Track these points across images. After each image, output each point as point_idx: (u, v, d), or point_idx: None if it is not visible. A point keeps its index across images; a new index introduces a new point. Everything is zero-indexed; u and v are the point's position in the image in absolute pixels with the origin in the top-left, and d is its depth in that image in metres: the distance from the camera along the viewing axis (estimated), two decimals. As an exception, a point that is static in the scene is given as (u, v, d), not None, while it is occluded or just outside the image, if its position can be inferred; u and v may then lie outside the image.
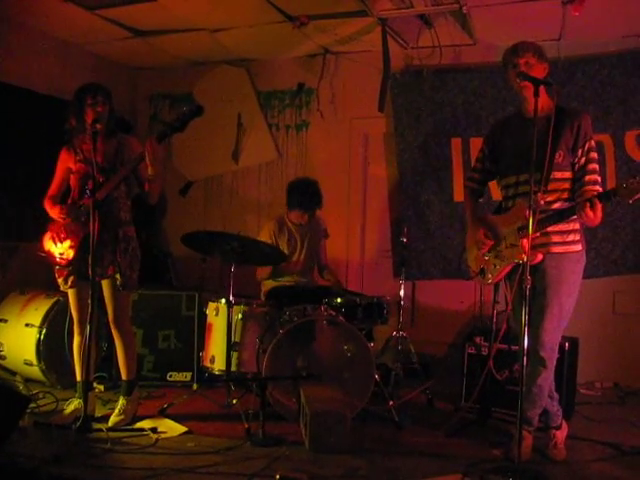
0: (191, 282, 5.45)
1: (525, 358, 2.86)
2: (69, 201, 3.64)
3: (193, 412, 3.91)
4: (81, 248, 3.50)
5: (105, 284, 3.57)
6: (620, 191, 2.81)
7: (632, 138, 4.76)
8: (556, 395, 3.34)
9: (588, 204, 2.85)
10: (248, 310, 4.03)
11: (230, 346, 3.84)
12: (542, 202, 3.00)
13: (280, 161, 5.96)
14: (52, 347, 4.26)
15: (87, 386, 3.46)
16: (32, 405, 3.54)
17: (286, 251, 4.48)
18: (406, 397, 4.24)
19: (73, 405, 3.62)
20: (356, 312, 4.01)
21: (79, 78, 4.34)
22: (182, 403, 3.96)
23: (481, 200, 3.65)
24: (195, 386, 4.47)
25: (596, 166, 3.11)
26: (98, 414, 3.73)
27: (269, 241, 4.49)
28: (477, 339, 4.14)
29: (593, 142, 3.11)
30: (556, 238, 3.11)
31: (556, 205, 3.12)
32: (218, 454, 3.20)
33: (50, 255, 3.57)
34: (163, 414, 3.80)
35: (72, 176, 3.64)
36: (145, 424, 3.58)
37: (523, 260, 2.90)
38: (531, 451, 3.23)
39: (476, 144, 4.77)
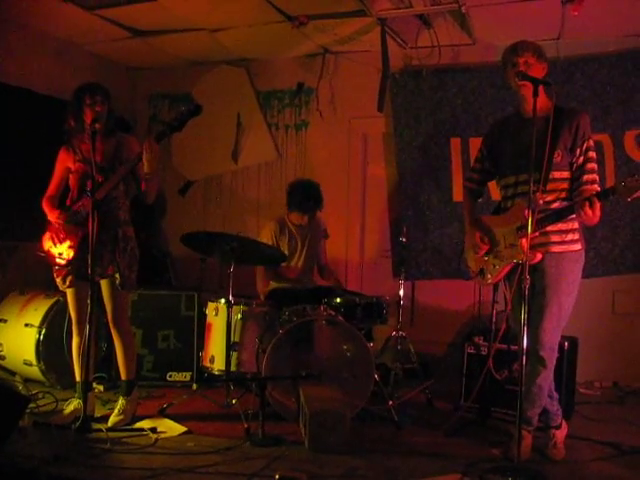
0: (190, 282, 5.45)
1: (524, 358, 2.87)
2: (67, 201, 3.64)
3: (192, 412, 3.91)
4: (80, 248, 3.50)
5: (104, 284, 3.56)
6: (619, 189, 2.81)
7: (631, 138, 4.76)
8: (555, 395, 3.34)
9: (587, 203, 2.85)
10: (247, 310, 4.03)
11: (229, 346, 3.84)
12: (541, 202, 3.00)
13: (279, 161, 5.96)
14: (51, 347, 4.26)
15: (86, 386, 3.46)
16: (31, 405, 3.53)
17: (287, 252, 4.48)
18: (405, 397, 4.24)
19: (72, 405, 3.62)
20: (355, 312, 4.01)
21: (78, 78, 4.33)
22: (181, 403, 3.96)
23: (480, 200, 3.66)
24: (194, 386, 4.47)
25: (594, 165, 3.11)
26: (98, 414, 3.73)
27: (270, 242, 4.49)
28: (476, 339, 4.15)
29: (591, 142, 3.11)
30: (555, 238, 3.11)
31: (555, 205, 3.12)
32: (218, 454, 3.21)
33: (49, 255, 3.56)
34: (162, 414, 3.81)
35: (71, 176, 3.64)
36: (145, 424, 3.58)
37: (522, 260, 2.90)
38: (530, 451, 3.24)
39: (475, 144, 4.76)
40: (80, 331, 3.61)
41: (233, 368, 3.90)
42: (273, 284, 4.61)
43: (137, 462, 3.05)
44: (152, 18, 4.98)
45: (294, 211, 4.59)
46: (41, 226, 3.65)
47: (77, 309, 3.63)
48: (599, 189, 3.01)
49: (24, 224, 4.85)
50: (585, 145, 3.09)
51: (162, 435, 3.45)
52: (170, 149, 6.20)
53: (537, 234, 3.01)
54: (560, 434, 3.34)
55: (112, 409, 3.70)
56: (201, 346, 4.27)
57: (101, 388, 4.32)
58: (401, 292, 4.57)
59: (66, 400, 3.73)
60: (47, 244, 3.58)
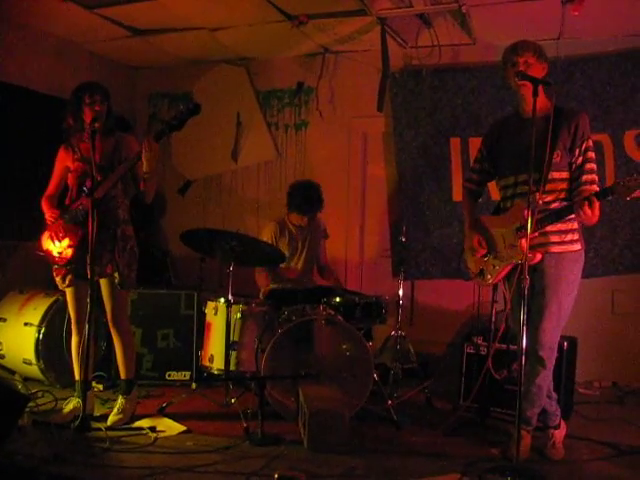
0: (190, 281, 5.45)
1: (524, 358, 2.87)
2: (67, 200, 3.64)
3: (192, 411, 3.91)
4: (79, 247, 3.50)
5: (103, 283, 3.56)
6: (617, 189, 2.81)
7: (631, 138, 4.76)
8: (554, 395, 3.34)
9: (586, 202, 2.85)
10: (247, 309, 4.03)
11: (229, 345, 3.84)
12: (540, 202, 3.00)
13: (279, 160, 5.96)
14: (51, 346, 4.26)
15: (86, 385, 3.46)
16: (31, 404, 3.53)
17: (287, 253, 4.48)
18: (405, 396, 4.24)
19: (72, 404, 3.62)
20: (355, 311, 4.01)
21: (78, 77, 4.35)
22: (181, 402, 3.96)
23: (480, 200, 3.65)
24: (194, 385, 4.46)
25: (593, 166, 3.11)
26: (97, 413, 3.73)
27: (270, 242, 4.49)
28: (476, 339, 4.14)
29: (590, 142, 3.11)
30: (555, 238, 3.11)
31: (554, 205, 3.12)
32: (217, 453, 3.21)
33: (48, 254, 3.57)
34: (162, 413, 3.81)
35: (70, 175, 3.64)
36: (144, 423, 3.58)
37: (522, 260, 2.90)
38: (529, 450, 3.24)
39: (475, 144, 4.77)
40: (79, 330, 3.61)
41: (232, 367, 3.90)
42: (273, 284, 4.61)
43: (136, 461, 3.05)
44: (152, 17, 4.97)
45: (294, 212, 4.59)
46: (41, 225, 3.64)
47: (76, 308, 3.63)
48: (598, 189, 3.01)
49: (24, 223, 4.85)
50: (584, 145, 3.08)
51: (161, 434, 3.46)
52: (170, 148, 6.20)
53: (536, 234, 3.01)
54: (559, 434, 3.35)
55: (111, 408, 3.70)
56: (200, 345, 4.26)
57: (100, 387, 4.32)
58: (400, 292, 4.56)
59: (65, 399, 3.74)
60: (46, 243, 3.58)
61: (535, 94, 2.89)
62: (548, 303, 3.11)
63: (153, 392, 4.31)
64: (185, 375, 4.57)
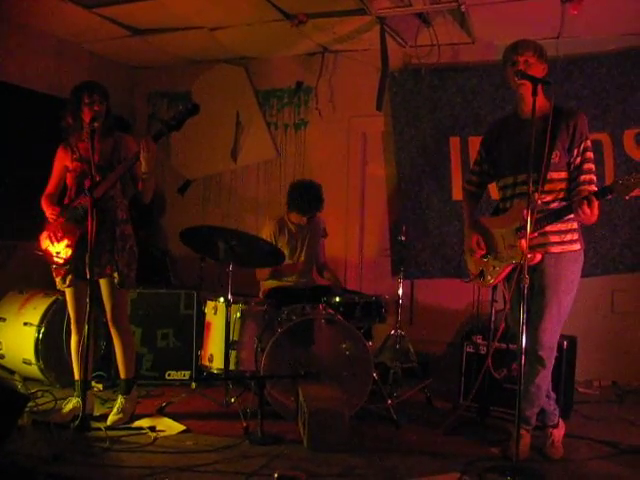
0: (190, 281, 5.45)
1: (523, 357, 2.87)
2: (65, 200, 3.64)
3: (191, 411, 3.91)
4: (78, 247, 3.50)
5: (103, 283, 3.57)
6: (616, 187, 2.81)
7: (631, 137, 4.76)
8: (552, 394, 3.34)
9: (585, 202, 2.85)
10: (247, 309, 4.03)
11: (228, 345, 3.84)
12: (539, 202, 3.00)
13: (279, 160, 5.96)
14: (50, 346, 4.26)
15: (85, 385, 3.45)
16: (31, 404, 3.54)
17: (286, 252, 4.48)
18: (404, 396, 4.24)
19: (72, 404, 3.62)
20: (354, 311, 4.02)
21: (77, 77, 4.34)
22: (180, 402, 3.97)
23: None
24: (193, 385, 4.46)
25: (592, 166, 3.10)
26: (97, 413, 3.73)
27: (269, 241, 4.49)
28: (475, 338, 4.15)
29: (589, 142, 3.11)
30: (554, 238, 3.11)
31: (553, 205, 3.11)
32: (216, 452, 3.21)
33: (47, 254, 3.56)
34: (161, 413, 3.81)
35: (69, 174, 3.63)
36: (144, 423, 3.58)
37: (522, 260, 2.90)
38: (529, 450, 3.24)
39: (474, 143, 4.76)
40: (79, 330, 3.61)
41: (232, 367, 3.90)
42: (272, 283, 4.61)
43: (136, 461, 3.05)
44: (151, 16, 4.97)
45: (294, 211, 4.59)
46: (40, 225, 3.64)
47: (76, 308, 3.62)
48: (596, 189, 3.01)
49: (24, 223, 4.83)
50: (583, 145, 3.08)
51: (161, 434, 3.46)
52: (169, 148, 6.20)
53: (536, 234, 3.01)
54: (558, 433, 3.35)
55: (111, 408, 3.70)
56: (200, 345, 4.26)
57: (100, 387, 4.32)
58: (400, 291, 4.57)
59: (65, 399, 3.73)
60: (45, 243, 3.57)
61: (534, 93, 2.89)
62: (548, 303, 3.11)
63: (153, 392, 4.31)
64: (185, 375, 4.57)
